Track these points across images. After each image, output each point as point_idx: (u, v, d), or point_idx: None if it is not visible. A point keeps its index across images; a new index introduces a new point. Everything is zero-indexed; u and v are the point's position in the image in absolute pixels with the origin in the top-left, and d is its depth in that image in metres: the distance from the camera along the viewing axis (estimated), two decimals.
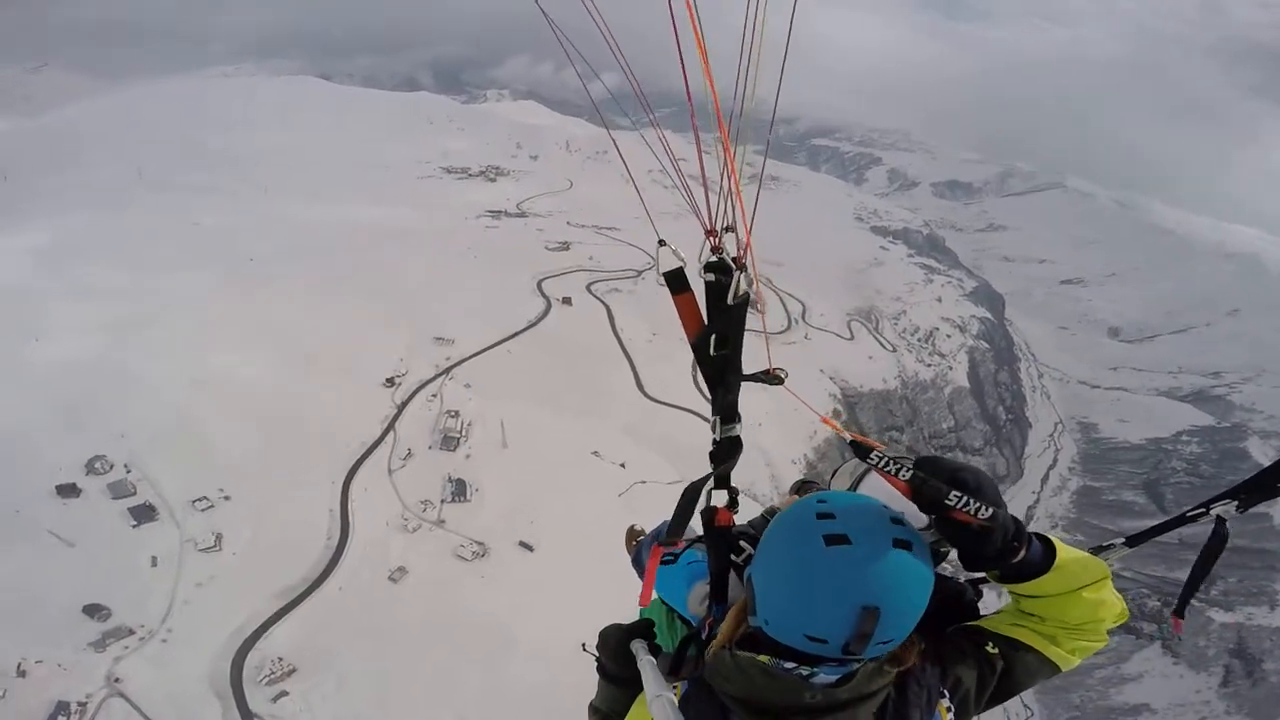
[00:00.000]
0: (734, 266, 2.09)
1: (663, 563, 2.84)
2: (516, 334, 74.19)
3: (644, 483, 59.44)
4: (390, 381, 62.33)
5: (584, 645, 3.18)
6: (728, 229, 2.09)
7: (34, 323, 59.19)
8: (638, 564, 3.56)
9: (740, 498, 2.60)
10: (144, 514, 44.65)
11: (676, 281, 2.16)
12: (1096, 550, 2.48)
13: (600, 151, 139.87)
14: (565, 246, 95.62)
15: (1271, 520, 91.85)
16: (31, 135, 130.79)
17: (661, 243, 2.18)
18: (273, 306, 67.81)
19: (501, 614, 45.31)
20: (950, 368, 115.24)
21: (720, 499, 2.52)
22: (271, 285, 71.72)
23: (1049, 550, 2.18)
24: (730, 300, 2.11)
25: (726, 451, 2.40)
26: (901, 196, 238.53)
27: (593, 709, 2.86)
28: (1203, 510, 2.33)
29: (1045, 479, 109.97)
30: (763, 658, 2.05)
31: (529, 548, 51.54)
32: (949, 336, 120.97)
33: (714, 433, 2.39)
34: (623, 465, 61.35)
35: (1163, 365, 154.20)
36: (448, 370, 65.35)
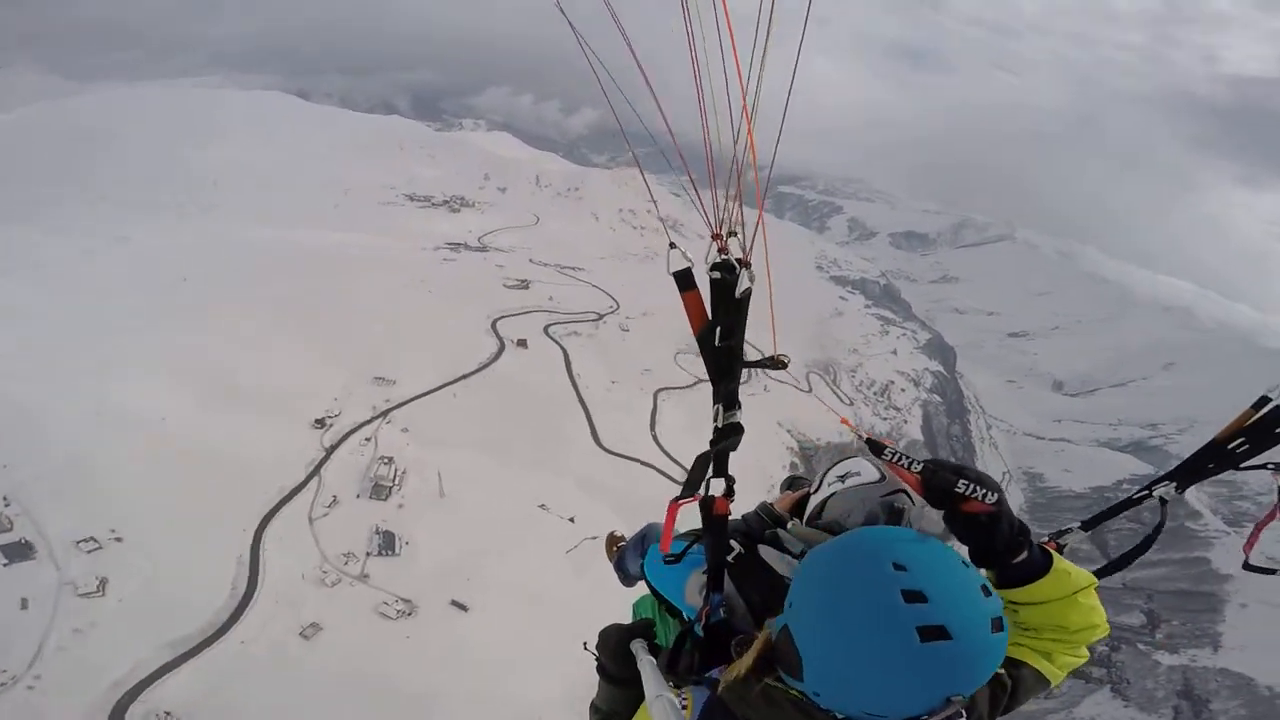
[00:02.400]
0: (738, 265, 2.17)
1: (665, 563, 2.74)
2: (465, 376, 68.97)
3: (594, 538, 54.28)
4: (320, 422, 56.45)
5: (585, 644, 3.13)
6: (731, 234, 2.18)
7: None
8: (621, 569, 3.65)
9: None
10: (18, 552, 39.40)
11: (684, 280, 2.21)
12: (1056, 535, 2.63)
13: (571, 189, 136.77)
14: (525, 285, 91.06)
15: (1210, 563, 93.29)
16: None
17: (672, 245, 2.25)
18: (199, 334, 61.52)
19: (423, 680, 40.07)
20: (905, 421, 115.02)
21: (718, 489, 2.45)
22: (202, 311, 65.36)
23: (1045, 555, 2.22)
24: (736, 295, 2.17)
25: (729, 434, 2.36)
26: (861, 246, 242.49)
27: (594, 709, 2.87)
28: (1146, 493, 2.49)
29: None
30: (795, 691, 1.88)
31: (462, 607, 46.21)
32: (903, 390, 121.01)
33: (715, 420, 2.37)
34: (572, 520, 56.28)
35: (1103, 417, 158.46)
36: (385, 413, 59.74)
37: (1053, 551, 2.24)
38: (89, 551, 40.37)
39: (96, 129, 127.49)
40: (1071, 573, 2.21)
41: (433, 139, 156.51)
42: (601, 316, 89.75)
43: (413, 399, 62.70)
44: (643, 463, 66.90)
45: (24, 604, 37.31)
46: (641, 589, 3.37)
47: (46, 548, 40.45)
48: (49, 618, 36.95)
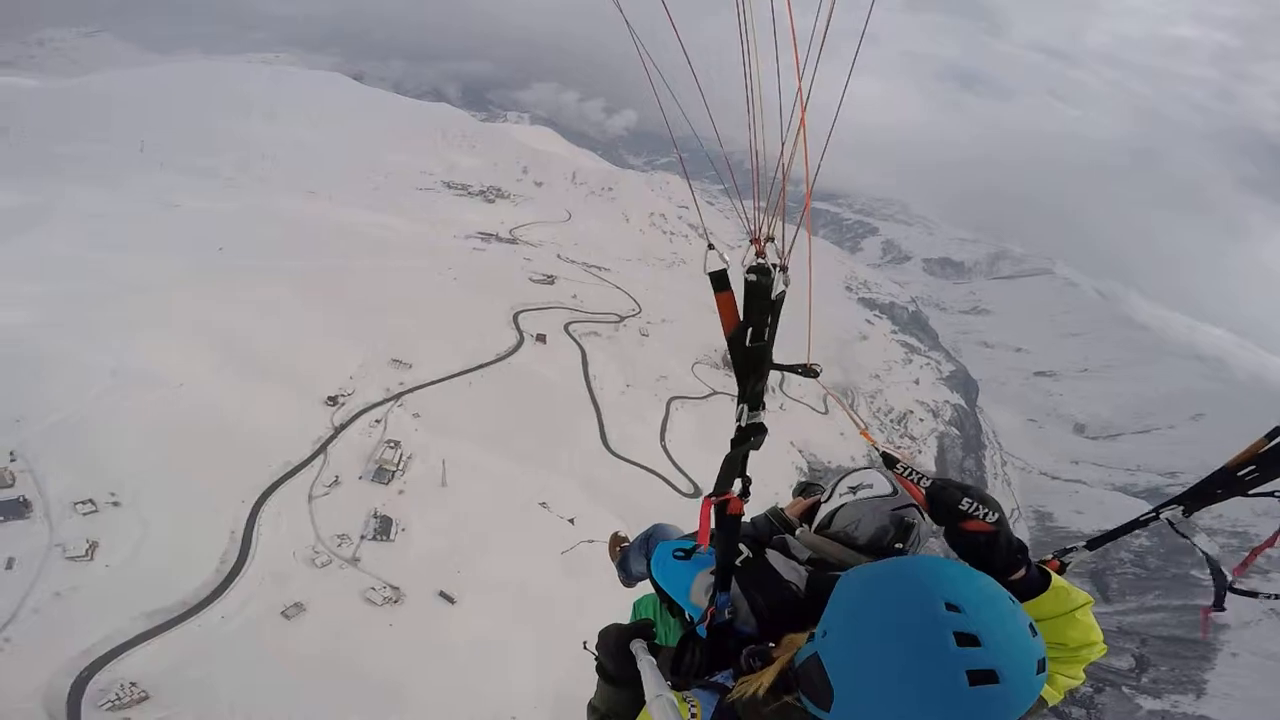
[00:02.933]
0: (773, 269, 2.19)
1: (675, 558, 2.80)
2: (481, 366, 69.12)
3: (591, 542, 53.79)
4: (333, 400, 56.95)
5: (585, 644, 3.09)
6: (769, 239, 2.21)
7: None
8: (623, 568, 3.65)
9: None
10: (13, 510, 39.06)
11: (719, 280, 2.21)
12: (1061, 553, 2.66)
13: (605, 188, 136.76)
14: (550, 280, 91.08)
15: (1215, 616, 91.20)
16: (59, 96, 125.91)
17: (710, 246, 2.26)
18: (227, 302, 62.70)
19: (399, 670, 39.72)
20: (919, 451, 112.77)
21: (734, 489, 2.44)
22: (232, 280, 66.69)
23: (1044, 573, 2.29)
24: (771, 297, 2.19)
25: (751, 434, 2.35)
26: (893, 269, 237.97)
27: (591, 708, 2.85)
28: (1153, 515, 2.50)
29: None
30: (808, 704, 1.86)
31: (449, 599, 45.92)
32: (921, 420, 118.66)
33: (739, 420, 2.35)
34: (571, 521, 55.87)
35: (1123, 462, 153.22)
36: (397, 396, 60.08)
37: (1052, 571, 2.30)
38: (85, 514, 40.06)
39: (165, 98, 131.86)
40: (1070, 590, 2.26)
41: (476, 129, 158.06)
42: (623, 319, 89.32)
43: (426, 384, 63.02)
44: (649, 470, 66.24)
45: (9, 564, 36.75)
46: (641, 590, 3.35)
47: (44, 507, 40.30)
48: (32, 579, 36.49)
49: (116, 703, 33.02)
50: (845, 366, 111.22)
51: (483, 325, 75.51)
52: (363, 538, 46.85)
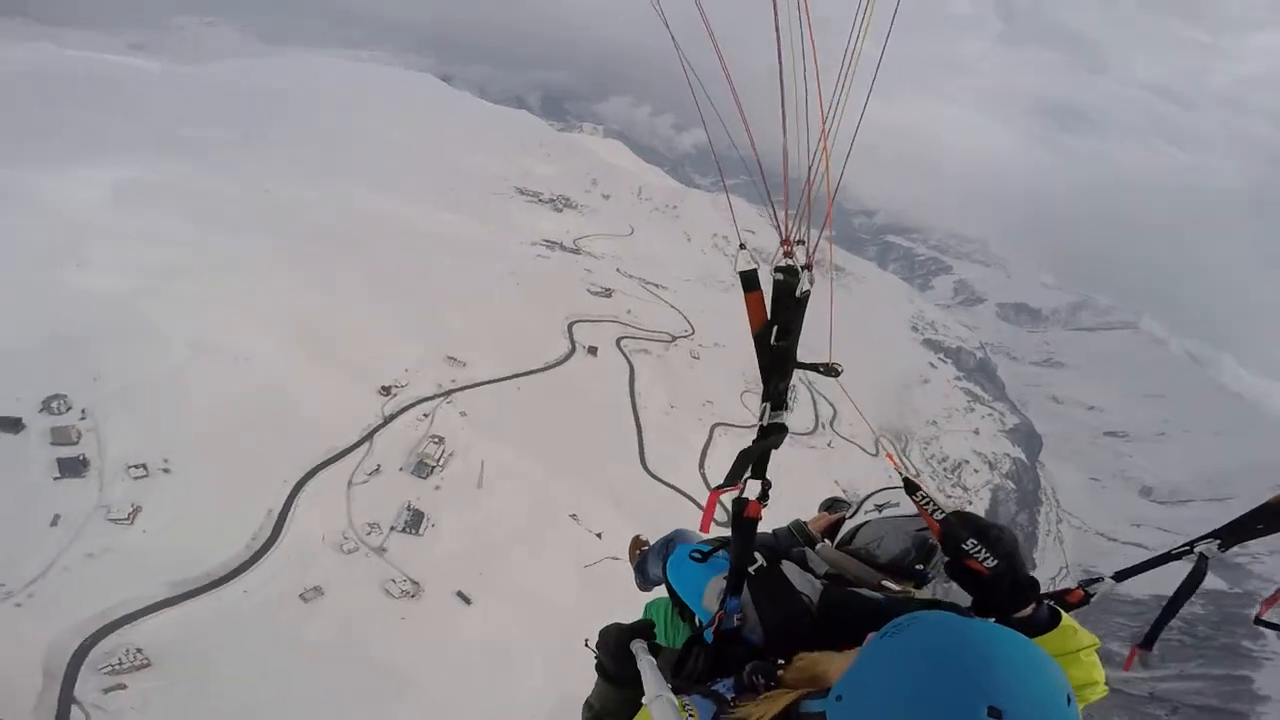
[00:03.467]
0: (800, 269, 2.23)
1: (691, 560, 2.80)
2: (531, 372, 70.07)
3: (616, 559, 53.46)
4: (386, 390, 58.86)
5: (586, 641, 3.07)
6: (799, 242, 2.25)
7: (79, 251, 58.44)
8: (640, 571, 3.70)
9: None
10: (71, 468, 41.04)
11: (749, 280, 2.28)
12: (1086, 583, 2.64)
13: (670, 205, 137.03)
14: (607, 293, 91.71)
15: (1252, 682, 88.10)
16: (178, 81, 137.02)
17: (742, 246, 2.33)
18: (304, 286, 65.86)
19: (403, 664, 40.02)
20: (970, 503, 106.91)
21: (753, 491, 2.43)
22: (311, 265, 70.08)
23: (1054, 613, 2.36)
24: (795, 294, 2.22)
25: (772, 433, 2.36)
26: (964, 311, 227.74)
27: (587, 705, 2.89)
28: (1187, 549, 2.48)
29: None
30: None
31: (466, 600, 46.36)
32: (976, 471, 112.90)
33: (761, 419, 2.36)
34: (599, 535, 55.68)
35: (1187, 529, 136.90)
36: (448, 393, 61.54)
37: (1062, 611, 2.34)
38: (136, 478, 41.56)
39: (270, 89, 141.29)
40: (1078, 631, 2.33)
41: (551, 138, 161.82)
42: (675, 339, 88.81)
43: (477, 384, 64.33)
44: (683, 494, 65.29)
45: (55, 520, 38.05)
46: (654, 593, 3.34)
47: (100, 468, 41.85)
48: (71, 538, 37.68)
49: (117, 667, 33.65)
50: (902, 410, 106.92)
51: (538, 331, 76.65)
52: (393, 528, 47.91)
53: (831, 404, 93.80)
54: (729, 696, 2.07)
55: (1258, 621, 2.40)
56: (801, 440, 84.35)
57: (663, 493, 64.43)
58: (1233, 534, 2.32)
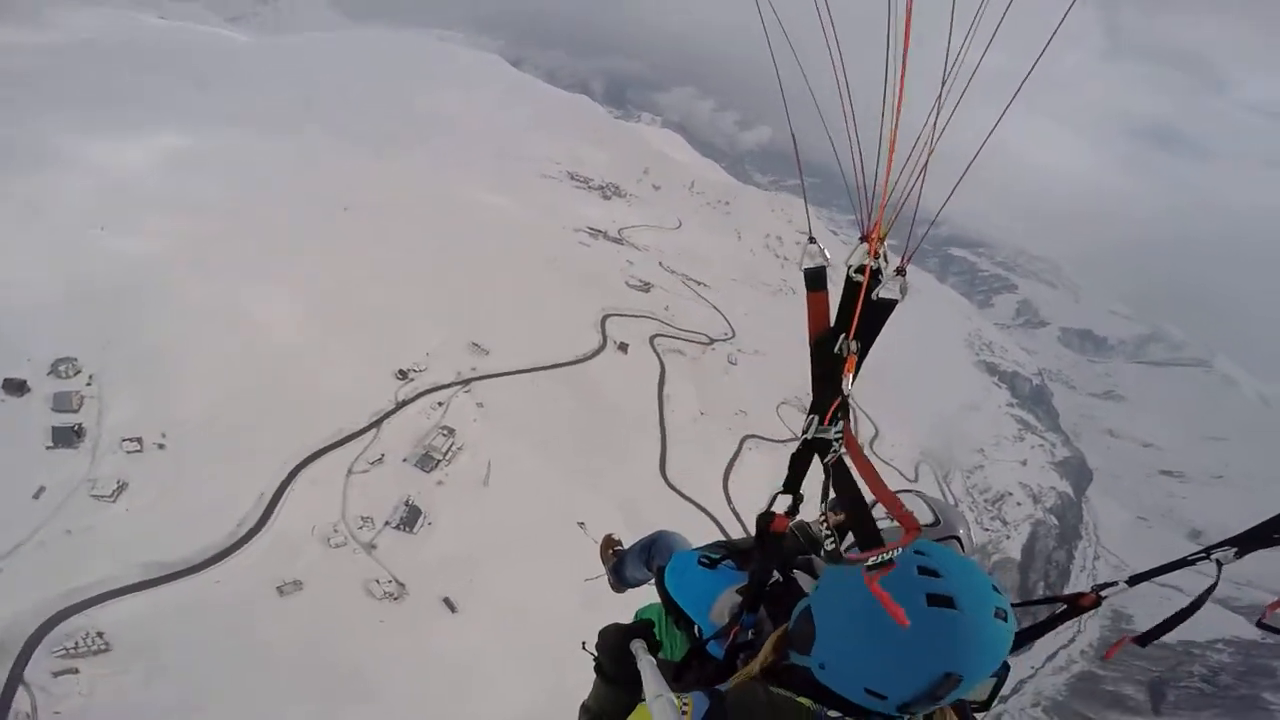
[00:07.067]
0: (895, 272, 2.00)
1: (700, 564, 2.68)
2: (556, 365, 65.98)
3: None
4: (403, 374, 55.81)
5: (584, 644, 3.02)
6: (881, 239, 2.02)
7: (116, 214, 57.41)
8: (616, 573, 3.58)
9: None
10: (65, 438, 39.02)
11: (816, 279, 2.06)
12: (1099, 587, 2.50)
13: (722, 201, 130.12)
14: (646, 288, 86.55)
15: None
16: (262, 53, 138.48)
17: (811, 239, 2.12)
18: (338, 259, 63.56)
19: (371, 669, 36.86)
20: (1008, 537, 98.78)
21: (781, 505, 2.26)
22: (349, 239, 67.84)
23: None
24: (876, 297, 1.98)
25: (816, 450, 2.15)
26: (1024, 334, 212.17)
27: (584, 709, 2.81)
28: (1203, 555, 2.37)
29: (1052, 656, 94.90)
30: (804, 700, 1.87)
31: (451, 607, 42.85)
32: (1019, 504, 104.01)
33: (807, 432, 2.14)
34: None
35: (1233, 575, 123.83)
36: (465, 382, 58.09)
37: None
38: (129, 453, 39.42)
39: (342, 62, 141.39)
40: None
41: (609, 125, 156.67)
42: (712, 342, 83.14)
43: (497, 374, 60.69)
44: (702, 509, 60.25)
45: (38, 493, 36.13)
46: (641, 598, 3.18)
47: (94, 439, 39.82)
48: (51, 513, 35.77)
49: (72, 651, 31.66)
50: (947, 435, 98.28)
51: (569, 323, 72.44)
52: (386, 524, 44.69)
53: (874, 423, 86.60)
54: (722, 691, 2.02)
55: (1261, 625, 2.24)
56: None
57: (680, 506, 59.58)
58: (1249, 542, 2.18)
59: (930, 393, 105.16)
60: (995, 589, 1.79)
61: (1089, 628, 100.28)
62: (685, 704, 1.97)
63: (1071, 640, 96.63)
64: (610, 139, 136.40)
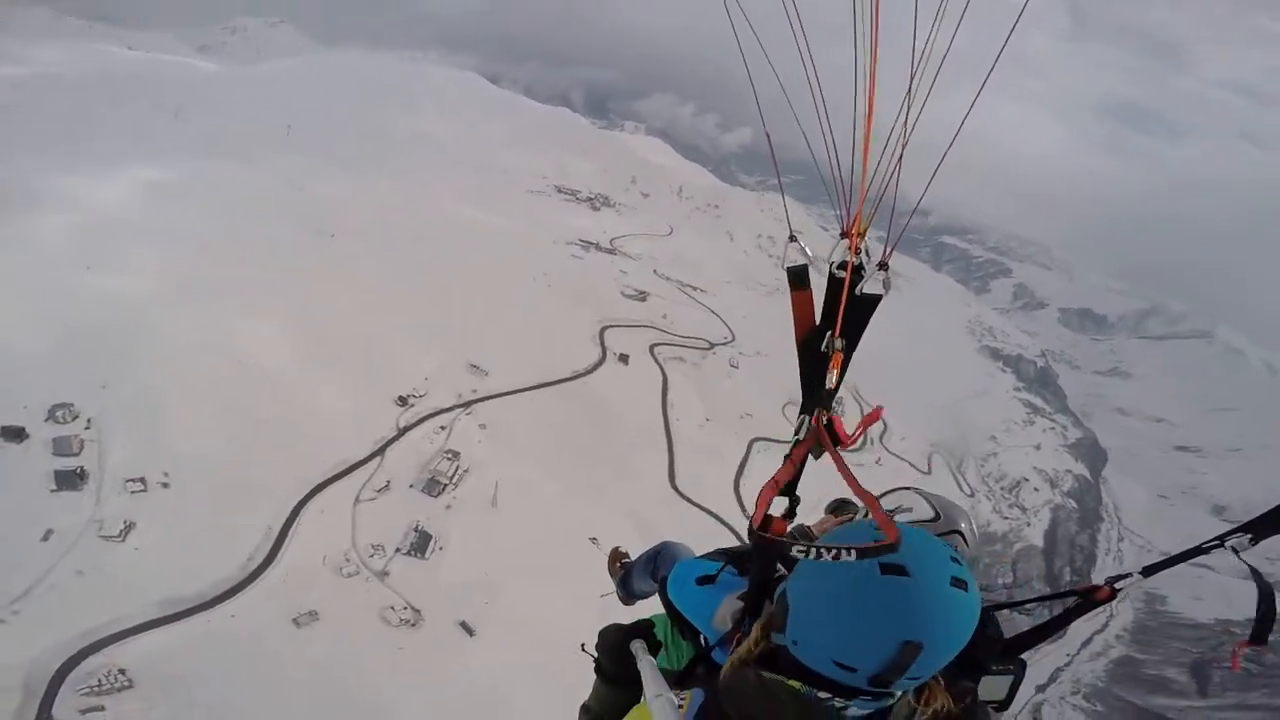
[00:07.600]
0: (878, 266, 2.05)
1: (698, 583, 2.66)
2: (558, 381, 64.94)
3: None
4: (403, 400, 54.72)
5: (583, 645, 3.06)
6: (860, 234, 2.05)
7: (99, 253, 56.25)
8: (624, 586, 3.54)
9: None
10: (69, 480, 38.95)
11: (799, 277, 2.08)
12: (1114, 579, 2.51)
13: (711, 205, 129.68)
14: (642, 297, 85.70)
15: None
16: (232, 81, 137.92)
17: (792, 237, 2.16)
18: (325, 287, 62.49)
19: (391, 700, 36.03)
20: (1028, 524, 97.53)
21: (777, 509, 2.29)
22: (336, 265, 66.82)
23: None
24: (860, 293, 2.02)
25: (810, 450, 2.26)
26: (1023, 316, 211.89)
27: (584, 709, 2.84)
28: (1217, 543, 2.37)
29: (1087, 642, 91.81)
30: (793, 682, 1.90)
31: (469, 631, 41.86)
32: (1036, 490, 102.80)
33: (798, 433, 2.19)
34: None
35: (1265, 551, 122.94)
36: (467, 404, 57.03)
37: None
38: (133, 493, 39.37)
39: (318, 87, 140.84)
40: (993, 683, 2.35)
41: (592, 136, 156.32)
42: (712, 346, 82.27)
43: (499, 395, 59.59)
44: (715, 516, 59.19)
45: (47, 535, 36.30)
46: (644, 609, 3.19)
47: (98, 480, 39.89)
48: (61, 554, 35.83)
49: (97, 688, 31.52)
50: (957, 423, 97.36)
51: (567, 337, 71.51)
52: (398, 550, 43.91)
53: (882, 419, 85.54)
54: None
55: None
56: (848, 457, 75.39)
57: (692, 515, 58.60)
58: (1265, 527, 2.17)
59: (935, 383, 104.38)
60: (955, 560, 1.80)
61: (1122, 611, 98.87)
62: (683, 699, 2.02)
63: (1105, 625, 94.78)
64: (595, 149, 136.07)
